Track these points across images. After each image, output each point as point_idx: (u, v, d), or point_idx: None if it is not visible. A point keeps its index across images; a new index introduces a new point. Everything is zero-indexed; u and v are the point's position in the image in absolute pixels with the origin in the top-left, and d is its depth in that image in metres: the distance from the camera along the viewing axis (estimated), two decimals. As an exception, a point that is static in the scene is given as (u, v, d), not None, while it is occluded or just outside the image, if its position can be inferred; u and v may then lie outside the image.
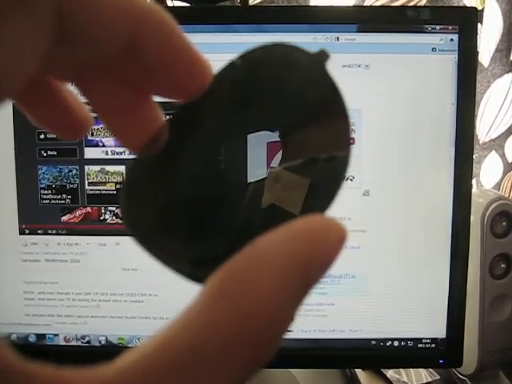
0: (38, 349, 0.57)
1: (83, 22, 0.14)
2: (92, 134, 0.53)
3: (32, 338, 0.57)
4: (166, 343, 0.12)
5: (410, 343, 0.56)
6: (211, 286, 0.13)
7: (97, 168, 0.54)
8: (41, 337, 0.57)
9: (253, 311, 0.12)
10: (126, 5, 0.15)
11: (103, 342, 0.57)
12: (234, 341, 0.12)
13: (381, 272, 0.55)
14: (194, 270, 0.17)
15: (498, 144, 0.87)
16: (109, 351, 0.57)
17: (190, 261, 0.18)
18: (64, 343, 0.57)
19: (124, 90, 0.18)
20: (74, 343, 0.57)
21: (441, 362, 0.57)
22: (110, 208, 0.54)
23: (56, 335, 0.57)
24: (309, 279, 0.14)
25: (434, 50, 0.52)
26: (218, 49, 0.51)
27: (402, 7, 0.77)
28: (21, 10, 0.12)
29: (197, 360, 0.11)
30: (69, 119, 0.19)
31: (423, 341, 0.56)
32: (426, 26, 0.52)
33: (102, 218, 0.54)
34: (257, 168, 0.52)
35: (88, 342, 0.57)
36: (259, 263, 0.13)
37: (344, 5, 0.80)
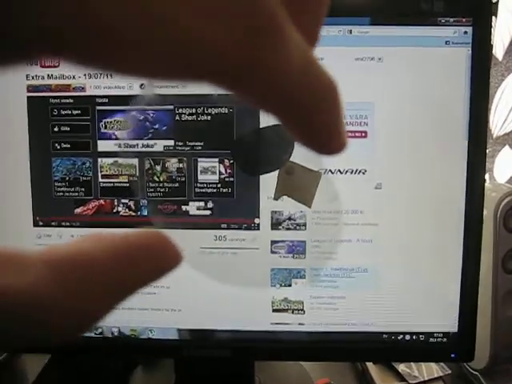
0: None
1: None
2: (105, 127, 0.54)
3: (46, 329, 0.57)
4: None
5: (421, 337, 0.56)
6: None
7: (110, 161, 0.54)
8: (54, 328, 0.57)
9: None
10: None
11: (116, 334, 0.57)
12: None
13: (393, 266, 0.54)
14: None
15: (511, 138, 0.87)
16: (121, 343, 0.58)
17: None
18: (77, 334, 0.57)
19: None
20: (87, 334, 0.57)
21: (452, 356, 0.57)
22: (122, 200, 0.54)
23: (69, 326, 0.57)
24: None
25: (447, 42, 0.52)
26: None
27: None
28: None
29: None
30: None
31: (435, 335, 0.56)
32: (440, 18, 0.51)
33: (115, 210, 0.55)
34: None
35: (101, 333, 0.57)
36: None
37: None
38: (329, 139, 0.16)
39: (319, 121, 0.15)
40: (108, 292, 0.14)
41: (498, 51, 0.82)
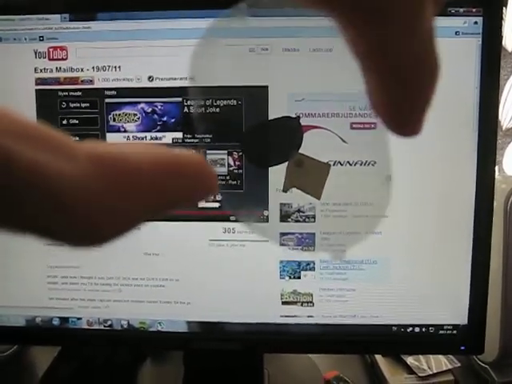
0: (62, 332, 0.58)
1: None
2: (114, 120, 0.54)
3: (56, 322, 0.58)
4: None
5: (431, 329, 0.56)
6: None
7: (118, 153, 0.54)
8: (64, 320, 0.58)
9: None
10: None
11: (125, 326, 0.57)
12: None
13: (402, 258, 0.54)
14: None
15: (521, 130, 0.86)
16: (130, 335, 0.58)
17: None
18: (87, 327, 0.58)
19: None
20: (96, 327, 0.57)
21: (462, 348, 0.57)
22: (131, 193, 0.54)
23: (79, 319, 0.57)
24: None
25: (457, 33, 0.51)
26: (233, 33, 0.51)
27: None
28: None
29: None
30: None
31: (444, 327, 0.56)
32: (450, 8, 0.51)
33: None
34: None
35: (110, 325, 0.57)
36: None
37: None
38: (410, 116, 0.16)
39: (415, 96, 0.15)
40: (145, 199, 0.14)
41: (509, 43, 0.81)
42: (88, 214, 0.13)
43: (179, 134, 0.53)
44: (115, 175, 0.13)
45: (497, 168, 0.84)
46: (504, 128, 0.85)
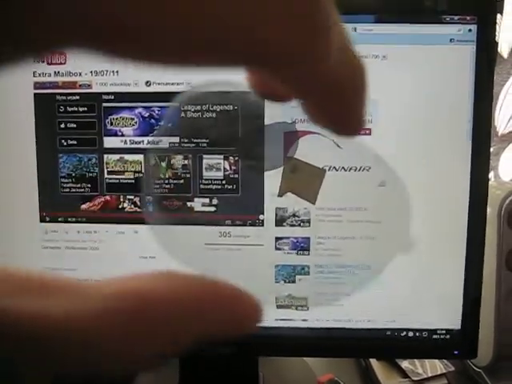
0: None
1: None
2: (111, 124, 0.54)
3: (52, 324, 0.58)
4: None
5: (424, 334, 0.56)
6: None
7: (116, 157, 0.54)
8: (61, 322, 0.58)
9: None
10: None
11: (121, 329, 0.58)
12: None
13: (396, 263, 0.55)
14: None
15: (516, 136, 0.87)
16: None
17: None
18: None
19: None
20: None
21: (455, 353, 0.57)
22: (128, 197, 0.55)
23: (75, 321, 0.58)
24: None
25: (451, 40, 0.52)
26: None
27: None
28: None
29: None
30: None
31: (438, 332, 0.56)
32: (444, 16, 0.51)
33: (120, 206, 0.55)
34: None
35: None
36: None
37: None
38: (350, 119, 0.16)
39: (347, 100, 0.15)
40: (170, 338, 0.13)
41: (504, 49, 0.82)
42: (117, 350, 0.12)
43: (176, 139, 0.54)
44: (135, 314, 0.12)
45: (492, 174, 0.85)
46: (499, 134, 0.86)
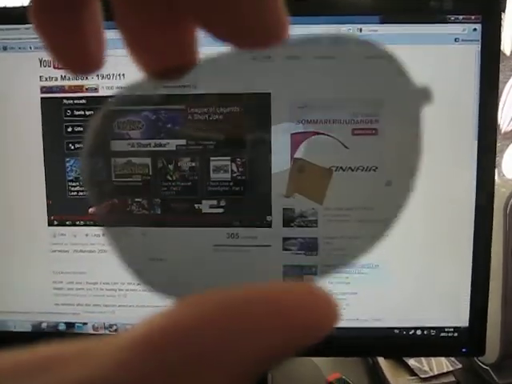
0: (68, 337, 0.59)
1: None
2: (118, 127, 0.54)
3: (62, 327, 0.58)
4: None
5: (432, 332, 0.57)
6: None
7: (123, 160, 0.55)
8: (70, 325, 0.58)
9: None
10: None
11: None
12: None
13: (403, 261, 0.55)
14: None
15: (520, 133, 0.87)
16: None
17: None
18: (93, 331, 0.58)
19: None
20: (102, 332, 0.58)
21: (463, 350, 0.57)
22: (136, 199, 0.55)
23: (85, 324, 0.58)
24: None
25: (456, 40, 0.52)
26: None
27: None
28: None
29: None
30: (80, 52, 0.17)
31: (446, 330, 0.56)
32: (449, 15, 0.52)
33: (128, 209, 0.55)
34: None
35: (116, 330, 0.58)
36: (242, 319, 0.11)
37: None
38: (271, 24, 0.14)
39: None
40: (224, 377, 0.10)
41: (506, 47, 0.82)
42: None
43: (183, 141, 0.54)
44: (173, 357, 0.10)
45: (496, 171, 0.85)
46: (503, 131, 0.86)
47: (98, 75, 0.54)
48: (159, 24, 0.16)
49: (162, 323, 0.11)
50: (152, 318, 0.11)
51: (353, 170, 0.54)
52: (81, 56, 0.17)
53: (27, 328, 0.58)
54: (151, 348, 0.10)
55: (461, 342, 0.57)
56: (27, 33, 0.54)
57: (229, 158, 0.54)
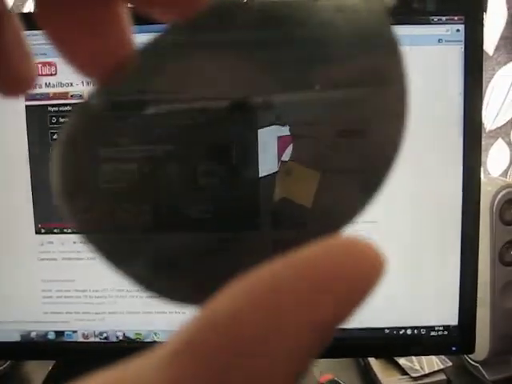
0: (58, 345, 0.58)
1: None
2: (103, 133, 0.54)
3: (51, 335, 0.58)
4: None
5: (422, 331, 0.57)
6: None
7: (109, 167, 0.54)
8: (60, 334, 0.58)
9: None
10: None
11: (121, 338, 0.58)
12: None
13: (392, 261, 0.55)
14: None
15: (504, 132, 0.88)
16: (127, 346, 0.58)
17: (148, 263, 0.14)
18: (82, 339, 0.58)
19: None
20: (92, 339, 0.58)
21: (453, 349, 0.58)
22: (123, 206, 0.55)
23: (74, 332, 0.58)
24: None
25: (440, 41, 0.52)
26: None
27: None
28: None
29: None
30: (8, 70, 0.16)
31: (436, 328, 0.57)
32: (432, 17, 0.52)
33: (115, 217, 0.55)
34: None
35: (106, 337, 0.58)
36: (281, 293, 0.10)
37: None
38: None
39: None
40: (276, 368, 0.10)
41: (489, 46, 0.83)
42: None
43: (169, 147, 0.54)
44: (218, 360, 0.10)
45: (481, 170, 0.86)
46: (487, 130, 0.87)
47: (82, 82, 0.54)
48: (85, 19, 0.15)
49: (199, 324, 0.10)
50: (187, 322, 0.11)
51: (340, 172, 0.54)
52: (7, 78, 0.16)
53: (16, 338, 0.58)
54: (197, 355, 0.10)
55: (451, 341, 0.57)
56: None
57: (216, 162, 0.53)
